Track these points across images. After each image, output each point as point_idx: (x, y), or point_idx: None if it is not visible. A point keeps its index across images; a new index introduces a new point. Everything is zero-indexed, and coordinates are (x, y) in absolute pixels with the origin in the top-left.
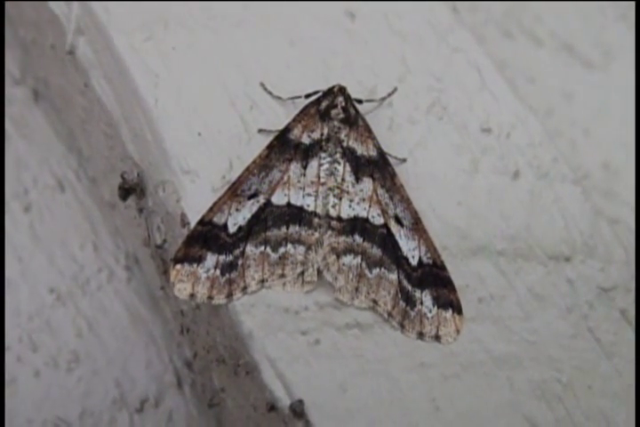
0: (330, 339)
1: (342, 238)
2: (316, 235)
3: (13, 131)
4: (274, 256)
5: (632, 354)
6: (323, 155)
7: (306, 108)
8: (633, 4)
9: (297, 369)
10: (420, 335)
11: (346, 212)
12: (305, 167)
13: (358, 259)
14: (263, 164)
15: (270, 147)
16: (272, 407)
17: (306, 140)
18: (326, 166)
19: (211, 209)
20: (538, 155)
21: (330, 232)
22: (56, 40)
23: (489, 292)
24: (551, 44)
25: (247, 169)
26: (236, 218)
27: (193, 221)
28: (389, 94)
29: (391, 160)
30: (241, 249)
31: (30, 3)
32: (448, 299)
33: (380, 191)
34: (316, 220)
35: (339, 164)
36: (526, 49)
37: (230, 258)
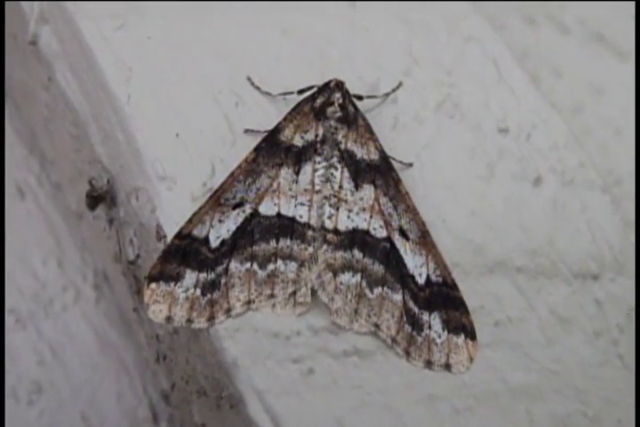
0: (325, 368)
1: (340, 254)
2: (310, 250)
3: None
4: (262, 274)
5: None
6: (318, 159)
7: (299, 105)
8: None
9: (287, 402)
10: (428, 364)
11: (344, 223)
12: (297, 173)
13: (358, 277)
14: (250, 169)
15: (258, 149)
16: None
17: (298, 141)
18: (322, 172)
19: (190, 220)
20: (562, 158)
21: (325, 247)
22: (17, 29)
23: (506, 314)
24: (579, 33)
25: (232, 175)
26: (219, 230)
27: (170, 233)
28: (394, 90)
29: (395, 165)
30: (224, 266)
31: None
32: (460, 322)
33: (383, 200)
34: (309, 232)
35: (336, 169)
36: (551, 37)
37: (212, 276)
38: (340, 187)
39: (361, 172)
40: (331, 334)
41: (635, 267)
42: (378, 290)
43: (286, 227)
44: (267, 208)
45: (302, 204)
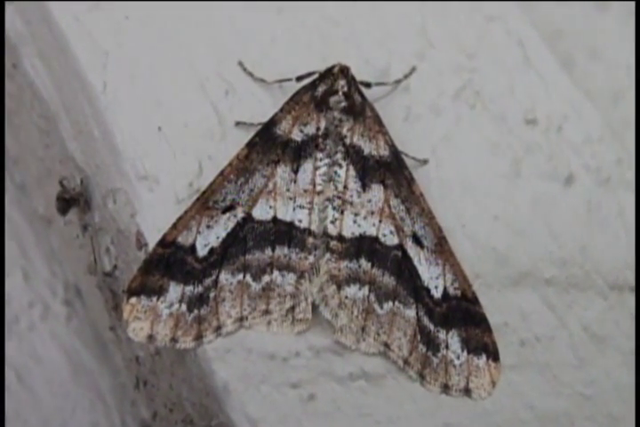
0: (328, 393)
1: (344, 263)
2: (311, 259)
3: None
4: (256, 287)
5: None
6: (319, 155)
7: (297, 94)
8: None
9: None
10: (446, 389)
11: (349, 229)
12: (296, 171)
13: (365, 290)
14: (242, 167)
15: (251, 145)
16: None
17: (297, 136)
18: (324, 170)
19: (174, 226)
20: (597, 154)
21: (328, 255)
22: None
23: (533, 332)
24: (619, 8)
25: (221, 174)
26: (208, 237)
27: (152, 241)
28: (406, 76)
29: (408, 161)
30: (213, 278)
31: None
32: (481, 342)
33: (394, 202)
34: (310, 239)
35: (340, 167)
36: (586, 14)
37: (200, 289)
38: (345, 187)
39: (369, 170)
40: (334, 355)
41: None
42: (388, 305)
43: (283, 233)
44: (261, 212)
45: (302, 206)
